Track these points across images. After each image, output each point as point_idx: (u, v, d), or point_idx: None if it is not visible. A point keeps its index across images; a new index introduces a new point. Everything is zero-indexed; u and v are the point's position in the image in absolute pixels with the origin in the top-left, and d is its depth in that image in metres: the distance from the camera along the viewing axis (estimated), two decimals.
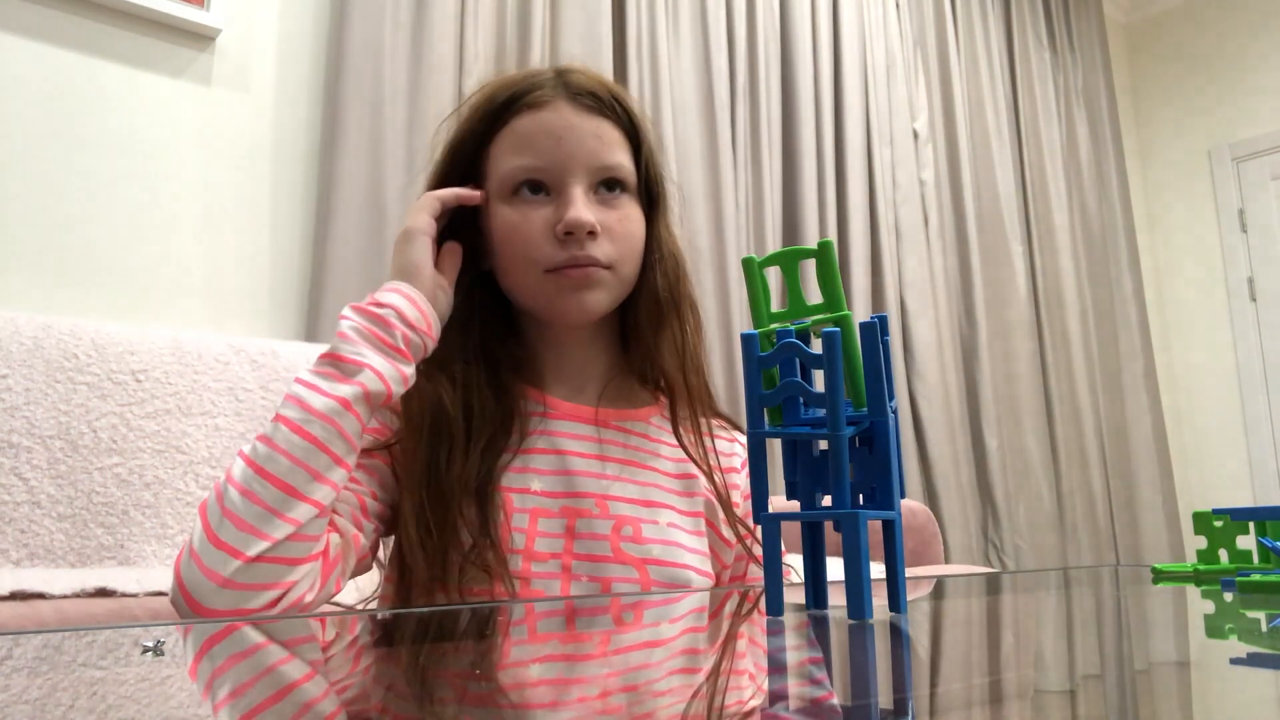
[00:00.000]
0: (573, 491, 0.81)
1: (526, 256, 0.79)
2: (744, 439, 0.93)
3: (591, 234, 0.78)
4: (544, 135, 0.80)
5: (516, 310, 0.86)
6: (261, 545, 0.63)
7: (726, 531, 0.86)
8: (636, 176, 0.84)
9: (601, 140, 0.81)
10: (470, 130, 0.83)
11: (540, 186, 0.80)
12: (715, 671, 0.36)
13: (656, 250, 0.85)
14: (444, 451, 0.76)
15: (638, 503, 0.82)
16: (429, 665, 0.40)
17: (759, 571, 0.87)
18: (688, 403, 0.85)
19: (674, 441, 0.85)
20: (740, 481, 0.91)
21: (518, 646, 0.47)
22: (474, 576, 0.74)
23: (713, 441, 0.86)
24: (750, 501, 0.90)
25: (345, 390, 0.68)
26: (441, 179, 0.84)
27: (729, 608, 0.60)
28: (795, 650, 0.42)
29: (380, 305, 0.73)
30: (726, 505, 0.85)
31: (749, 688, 0.33)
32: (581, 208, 0.78)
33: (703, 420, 0.86)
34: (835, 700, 0.30)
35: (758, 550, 0.87)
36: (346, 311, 0.73)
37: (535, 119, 0.80)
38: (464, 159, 0.83)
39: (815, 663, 0.38)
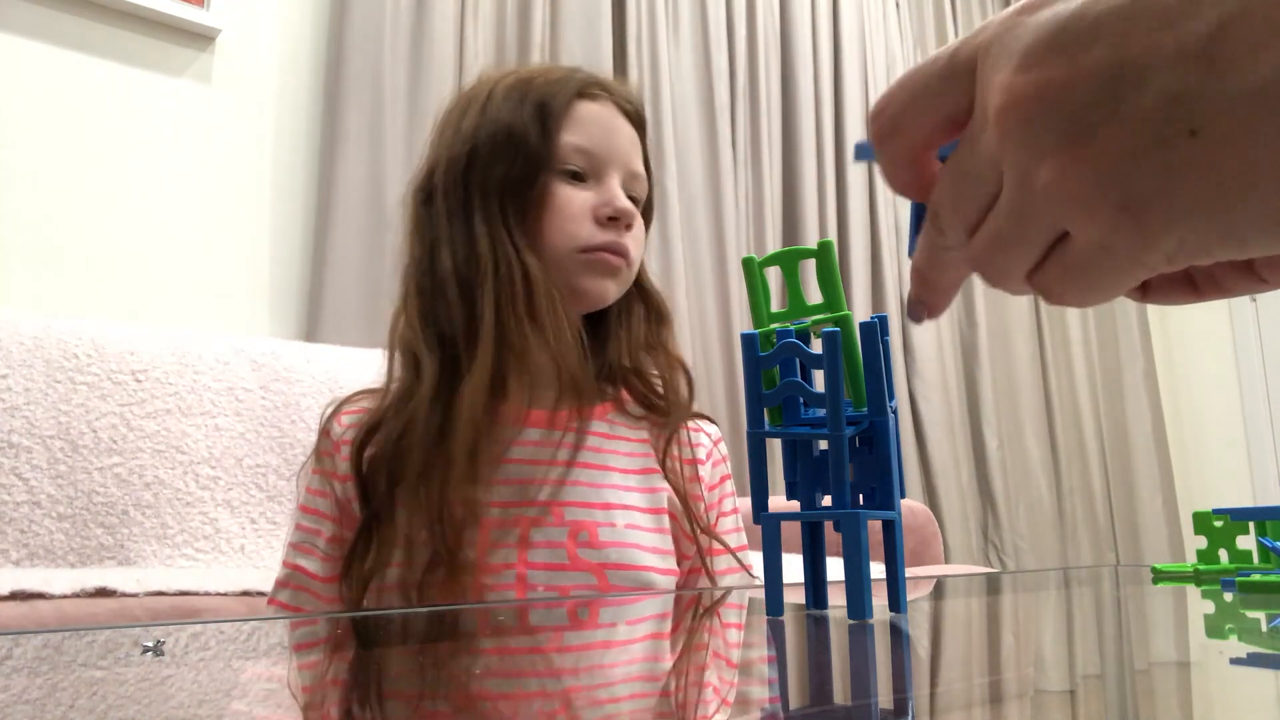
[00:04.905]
0: (524, 501, 0.78)
1: (565, 231, 0.80)
2: (710, 429, 0.93)
3: (629, 226, 0.81)
4: (598, 124, 0.83)
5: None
6: None
7: (688, 525, 0.84)
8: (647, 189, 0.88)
9: (635, 147, 0.86)
10: (534, 113, 0.80)
11: (582, 172, 0.82)
12: (674, 672, 0.36)
13: None
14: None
15: (594, 505, 0.80)
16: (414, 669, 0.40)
17: (719, 565, 0.86)
18: (639, 395, 0.85)
19: (632, 437, 0.85)
20: (704, 473, 0.89)
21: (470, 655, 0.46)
22: (433, 588, 0.72)
23: (678, 436, 0.85)
24: (712, 493, 0.90)
25: None
26: (492, 157, 0.81)
27: (684, 610, 0.60)
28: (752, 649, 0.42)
29: None
30: (685, 502, 0.84)
31: (706, 690, 0.33)
32: (625, 198, 0.82)
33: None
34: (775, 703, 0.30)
35: (726, 549, 0.87)
36: None
37: (592, 108, 0.84)
38: (526, 139, 0.80)
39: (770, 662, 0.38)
